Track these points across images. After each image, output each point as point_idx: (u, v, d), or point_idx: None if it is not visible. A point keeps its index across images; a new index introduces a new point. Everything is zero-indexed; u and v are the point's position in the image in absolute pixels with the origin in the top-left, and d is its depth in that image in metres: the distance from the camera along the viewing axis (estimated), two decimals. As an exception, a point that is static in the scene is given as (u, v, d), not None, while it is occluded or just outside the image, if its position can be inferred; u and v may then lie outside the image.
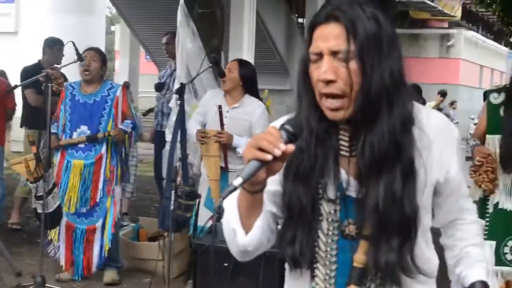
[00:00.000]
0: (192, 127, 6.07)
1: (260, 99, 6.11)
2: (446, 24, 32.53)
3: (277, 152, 1.86)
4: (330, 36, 1.97)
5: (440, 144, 2.08)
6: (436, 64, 30.34)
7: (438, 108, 15.92)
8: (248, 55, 12.32)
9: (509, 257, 4.97)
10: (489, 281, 2.26)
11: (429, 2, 28.32)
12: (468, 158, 4.96)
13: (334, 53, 1.96)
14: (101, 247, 6.49)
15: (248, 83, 6.01)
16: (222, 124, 5.88)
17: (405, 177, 1.99)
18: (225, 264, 4.97)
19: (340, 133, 2.07)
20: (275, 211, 2.15)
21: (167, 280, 5.59)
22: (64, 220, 6.47)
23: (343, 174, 2.06)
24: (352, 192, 2.05)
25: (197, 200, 5.95)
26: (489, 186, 4.91)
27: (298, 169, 2.05)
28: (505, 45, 18.41)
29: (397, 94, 2.00)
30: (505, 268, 4.98)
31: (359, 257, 2.04)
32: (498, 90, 5.15)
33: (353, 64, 1.95)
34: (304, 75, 2.06)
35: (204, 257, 5.24)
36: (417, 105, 2.09)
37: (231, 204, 2.06)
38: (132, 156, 8.51)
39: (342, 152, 2.07)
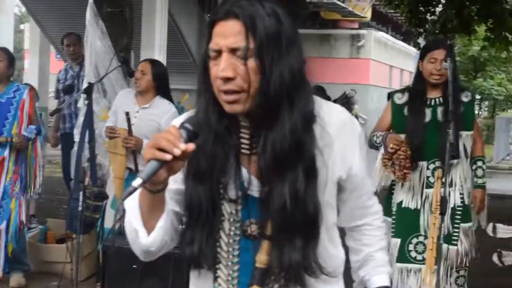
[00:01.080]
0: (105, 126, 6.02)
1: (171, 100, 6.07)
2: (356, 25, 32.97)
3: (177, 152, 1.84)
4: (229, 33, 1.95)
5: (343, 140, 2.08)
6: (346, 64, 30.67)
7: (348, 104, 16.03)
8: (160, 55, 12.24)
9: (413, 254, 5.06)
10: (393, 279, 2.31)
11: (340, 3, 28.69)
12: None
13: (233, 51, 1.95)
14: (6, 249, 6.33)
15: (161, 83, 5.97)
16: (130, 130, 5.80)
17: (307, 176, 1.98)
18: (134, 266, 4.93)
19: (241, 131, 2.05)
20: (178, 210, 2.12)
21: (75, 283, 5.49)
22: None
23: (244, 173, 2.04)
24: (254, 192, 2.04)
25: (105, 201, 5.89)
26: (401, 174, 4.95)
27: (198, 168, 2.02)
28: (414, 46, 18.76)
29: (298, 92, 1.99)
30: (410, 265, 5.06)
31: (261, 258, 2.03)
32: (402, 91, 5.26)
33: (252, 62, 1.94)
34: (203, 71, 2.04)
35: (112, 259, 5.18)
36: (319, 102, 2.08)
37: (132, 205, 2.01)
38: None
39: (243, 151, 2.05)
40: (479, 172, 5.17)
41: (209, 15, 18.86)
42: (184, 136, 1.88)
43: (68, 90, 8.51)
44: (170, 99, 6.04)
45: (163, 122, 5.72)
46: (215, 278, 2.11)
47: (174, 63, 13.10)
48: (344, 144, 2.08)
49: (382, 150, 5.03)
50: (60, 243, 6.92)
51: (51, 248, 6.87)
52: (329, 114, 2.08)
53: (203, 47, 2.06)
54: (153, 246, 2.05)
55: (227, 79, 1.94)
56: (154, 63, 6.15)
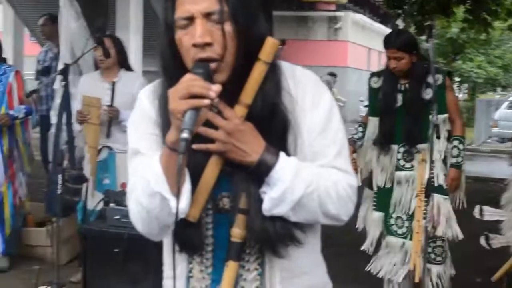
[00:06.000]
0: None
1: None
2: (333, 7, 32.96)
3: (212, 94, 1.77)
4: None
5: (309, 105, 1.99)
6: (324, 46, 30.71)
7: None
8: (136, 36, 12.12)
9: (394, 228, 5.21)
10: None
11: (317, -15, 28.67)
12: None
13: (207, 15, 1.86)
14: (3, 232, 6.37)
15: (124, 57, 6.13)
16: (112, 102, 5.94)
17: (282, 144, 1.93)
18: (115, 250, 4.89)
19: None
20: None
21: (56, 266, 5.42)
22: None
23: None
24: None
25: (85, 184, 5.82)
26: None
27: None
28: (392, 28, 18.59)
29: None
30: (393, 238, 5.22)
31: (236, 231, 1.93)
32: (378, 74, 5.37)
33: (228, 26, 1.87)
34: (169, 44, 1.94)
35: (93, 242, 5.11)
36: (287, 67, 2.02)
37: (154, 172, 1.88)
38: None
39: None
40: (455, 151, 5.21)
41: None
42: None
43: (46, 71, 8.46)
44: (131, 70, 6.21)
45: (135, 90, 5.66)
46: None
47: (150, 44, 12.95)
48: (311, 109, 1.99)
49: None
50: (40, 226, 6.84)
51: (31, 232, 6.79)
52: (298, 79, 2.02)
53: (164, 21, 1.95)
54: (187, 210, 1.91)
55: (205, 45, 1.86)
56: (114, 38, 6.25)
